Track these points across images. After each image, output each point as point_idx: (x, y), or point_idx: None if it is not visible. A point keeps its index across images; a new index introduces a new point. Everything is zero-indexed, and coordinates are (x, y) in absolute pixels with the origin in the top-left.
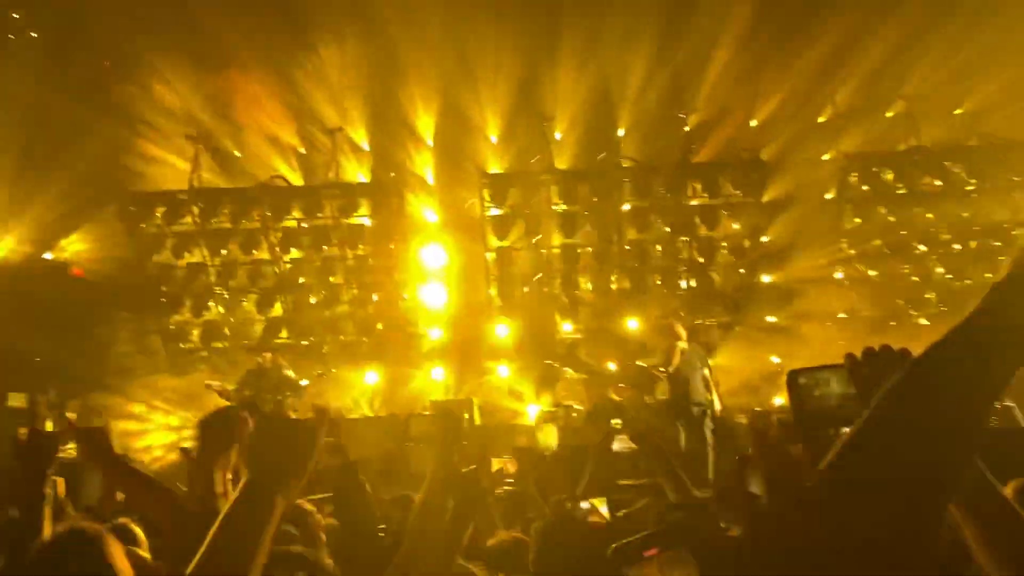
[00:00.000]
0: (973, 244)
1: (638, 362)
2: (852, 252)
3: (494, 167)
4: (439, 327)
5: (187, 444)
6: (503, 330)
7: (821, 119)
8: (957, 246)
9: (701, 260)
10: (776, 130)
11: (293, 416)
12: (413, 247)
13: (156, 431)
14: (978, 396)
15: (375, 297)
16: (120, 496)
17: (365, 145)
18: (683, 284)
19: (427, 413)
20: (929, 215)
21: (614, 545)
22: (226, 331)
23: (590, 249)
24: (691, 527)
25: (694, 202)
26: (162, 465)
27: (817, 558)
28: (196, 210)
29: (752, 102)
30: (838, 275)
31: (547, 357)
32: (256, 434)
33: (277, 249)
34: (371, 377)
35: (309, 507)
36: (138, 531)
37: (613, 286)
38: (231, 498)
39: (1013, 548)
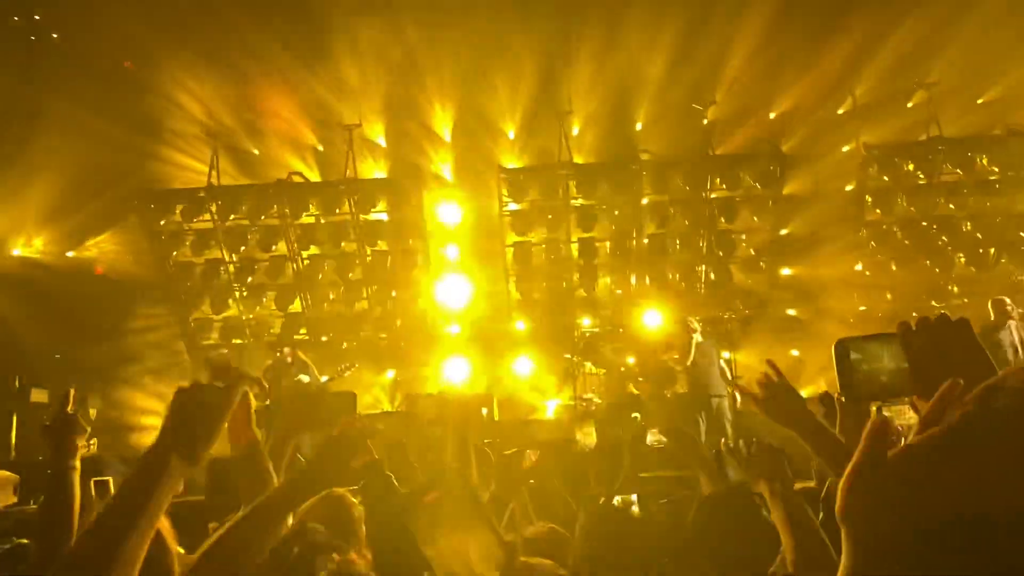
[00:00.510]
0: (996, 235)
1: (658, 356)
2: (873, 244)
3: (512, 162)
4: (458, 323)
5: None
6: (522, 325)
7: (841, 111)
8: (979, 236)
9: (720, 254)
10: (796, 122)
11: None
12: (432, 243)
13: None
14: None
15: (394, 293)
16: None
17: (382, 141)
18: (702, 278)
19: (434, 394)
20: (951, 206)
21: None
22: (246, 328)
23: (609, 244)
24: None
25: (713, 195)
26: None
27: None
28: (215, 207)
29: (772, 94)
30: (858, 267)
31: (566, 352)
32: (174, 397)
33: (295, 245)
34: (390, 373)
35: (351, 499)
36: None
37: (632, 280)
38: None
39: None
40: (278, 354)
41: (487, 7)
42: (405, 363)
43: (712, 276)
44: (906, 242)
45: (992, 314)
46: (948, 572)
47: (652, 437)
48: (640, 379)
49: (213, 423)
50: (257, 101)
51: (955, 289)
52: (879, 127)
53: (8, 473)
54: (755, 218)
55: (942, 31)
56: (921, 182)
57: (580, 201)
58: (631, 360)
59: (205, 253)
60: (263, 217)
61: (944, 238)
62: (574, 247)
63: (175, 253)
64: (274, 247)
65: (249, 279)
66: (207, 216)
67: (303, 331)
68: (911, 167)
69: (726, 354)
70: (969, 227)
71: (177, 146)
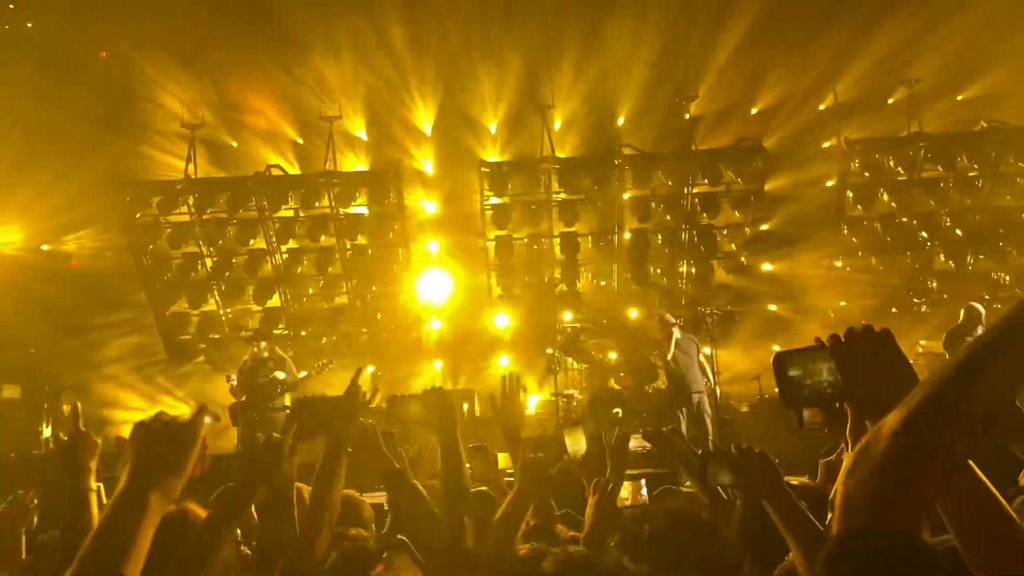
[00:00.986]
0: (975, 231)
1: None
2: (853, 240)
3: (493, 156)
4: (439, 318)
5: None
6: (503, 320)
7: (823, 107)
8: (959, 232)
9: (702, 249)
10: (778, 118)
11: (176, 416)
12: (412, 237)
13: None
14: None
15: (374, 288)
16: None
17: (363, 135)
18: (684, 273)
19: (416, 394)
20: (931, 202)
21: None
22: (224, 322)
23: (590, 238)
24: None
25: (695, 191)
26: None
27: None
28: (192, 200)
29: (754, 90)
30: (838, 263)
31: (548, 347)
32: (136, 433)
33: (274, 239)
34: (370, 367)
35: (359, 498)
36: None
37: (614, 275)
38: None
39: (998, 550)
40: (254, 349)
41: (469, 1)
42: (386, 358)
43: (694, 271)
44: (887, 238)
45: (962, 317)
46: None
47: (635, 442)
48: (622, 374)
49: (183, 457)
50: (235, 93)
51: (935, 285)
52: (861, 124)
53: None
54: (736, 213)
55: (923, 29)
56: (902, 178)
57: (562, 196)
58: (613, 355)
59: (182, 247)
60: (241, 210)
61: (924, 234)
62: (556, 242)
63: (151, 247)
64: (252, 241)
65: (227, 273)
66: (184, 209)
67: (282, 326)
68: (892, 163)
69: (707, 349)
70: (949, 223)
71: (154, 139)
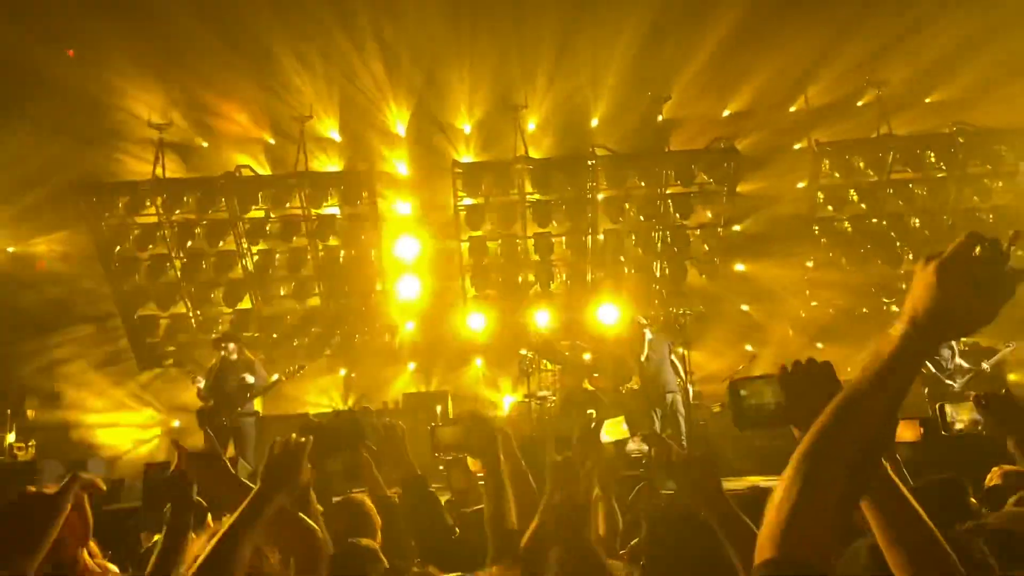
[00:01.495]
0: (943, 231)
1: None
2: (824, 240)
3: (467, 156)
4: (412, 319)
5: (154, 440)
6: (477, 321)
7: (794, 109)
8: (927, 233)
9: (675, 249)
10: (750, 120)
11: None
12: (385, 238)
13: (124, 426)
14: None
15: (347, 289)
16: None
17: (335, 135)
18: (657, 273)
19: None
20: (900, 203)
21: None
22: (193, 324)
23: (564, 238)
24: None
25: (668, 191)
26: (131, 458)
27: None
28: (160, 201)
29: (726, 92)
30: (810, 263)
31: (521, 347)
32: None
33: (244, 240)
34: (343, 370)
35: (368, 505)
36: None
37: (587, 275)
38: None
39: (915, 547)
40: (222, 352)
41: (441, 1)
42: (358, 361)
43: (667, 271)
44: (857, 239)
45: None
46: None
47: (633, 444)
48: (595, 375)
49: (43, 537)
50: (204, 94)
51: (904, 286)
52: (831, 126)
53: None
54: (709, 214)
55: (893, 33)
56: (872, 179)
57: (536, 196)
58: (587, 356)
59: (150, 248)
60: (211, 211)
61: (893, 234)
62: (530, 242)
63: (119, 248)
64: (222, 242)
65: (196, 275)
66: (152, 210)
67: (252, 328)
68: (862, 165)
69: (680, 349)
70: (917, 224)
71: (121, 144)
